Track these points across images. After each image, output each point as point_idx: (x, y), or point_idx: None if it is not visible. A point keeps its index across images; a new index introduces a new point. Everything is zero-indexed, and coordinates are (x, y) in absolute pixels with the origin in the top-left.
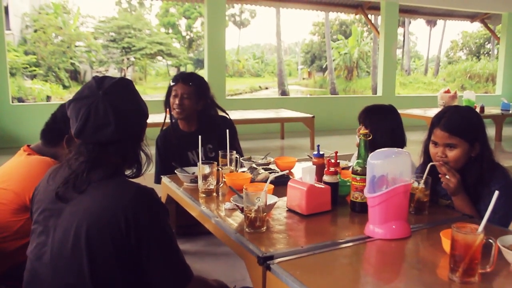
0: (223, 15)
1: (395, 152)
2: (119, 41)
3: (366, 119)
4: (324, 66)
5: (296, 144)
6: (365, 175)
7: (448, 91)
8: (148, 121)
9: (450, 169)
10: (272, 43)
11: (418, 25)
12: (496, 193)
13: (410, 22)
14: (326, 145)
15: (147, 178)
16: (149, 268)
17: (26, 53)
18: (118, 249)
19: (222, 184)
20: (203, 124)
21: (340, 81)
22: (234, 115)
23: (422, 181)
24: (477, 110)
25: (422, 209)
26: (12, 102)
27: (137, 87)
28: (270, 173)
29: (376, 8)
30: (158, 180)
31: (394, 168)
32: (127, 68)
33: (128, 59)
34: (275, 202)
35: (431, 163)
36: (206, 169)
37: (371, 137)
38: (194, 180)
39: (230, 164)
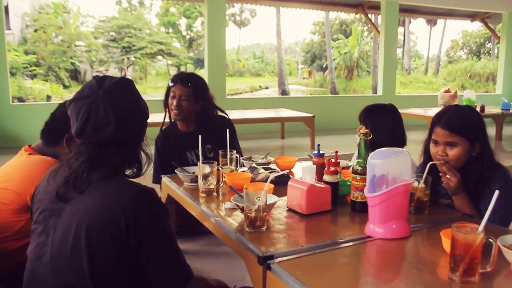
0: (223, 15)
1: (395, 151)
2: (119, 41)
3: (367, 118)
4: (324, 66)
5: (297, 143)
6: (365, 174)
7: (448, 91)
8: (148, 120)
9: (451, 168)
10: (272, 42)
11: (418, 24)
12: (496, 192)
13: (410, 22)
14: (326, 144)
15: (147, 178)
16: (149, 268)
17: (26, 52)
18: (118, 249)
19: (222, 184)
20: (202, 124)
21: (340, 81)
22: (234, 114)
23: (422, 180)
24: (478, 109)
25: (422, 208)
26: (12, 102)
27: (137, 87)
28: (270, 172)
29: (376, 7)
30: (156, 180)
31: (394, 168)
32: (127, 67)
33: (128, 58)
34: (275, 202)
35: (431, 162)
36: (206, 169)
37: (371, 136)
38: (194, 179)
39: (230, 164)
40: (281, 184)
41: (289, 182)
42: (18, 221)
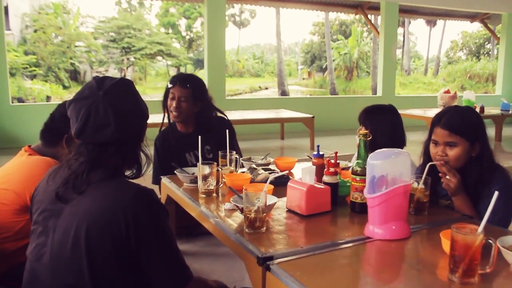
0: (223, 15)
1: (394, 152)
2: (119, 41)
3: (366, 119)
4: (324, 66)
5: (296, 144)
6: (365, 175)
7: (448, 91)
8: (148, 121)
9: (451, 169)
10: (272, 43)
11: (418, 25)
12: (496, 193)
13: (410, 22)
14: (326, 145)
15: (147, 179)
16: (148, 269)
17: (26, 53)
18: (118, 250)
19: (222, 185)
20: (201, 125)
21: (340, 81)
22: (234, 115)
23: (422, 181)
24: (477, 110)
25: (422, 209)
26: (12, 102)
27: (137, 87)
28: (270, 173)
29: (376, 8)
30: (156, 181)
31: (394, 169)
32: (127, 68)
33: (128, 59)
34: (275, 203)
35: (430, 163)
36: (206, 170)
37: (370, 137)
38: (194, 180)
39: (230, 165)
40: (280, 185)
41: (289, 183)
42: (18, 222)
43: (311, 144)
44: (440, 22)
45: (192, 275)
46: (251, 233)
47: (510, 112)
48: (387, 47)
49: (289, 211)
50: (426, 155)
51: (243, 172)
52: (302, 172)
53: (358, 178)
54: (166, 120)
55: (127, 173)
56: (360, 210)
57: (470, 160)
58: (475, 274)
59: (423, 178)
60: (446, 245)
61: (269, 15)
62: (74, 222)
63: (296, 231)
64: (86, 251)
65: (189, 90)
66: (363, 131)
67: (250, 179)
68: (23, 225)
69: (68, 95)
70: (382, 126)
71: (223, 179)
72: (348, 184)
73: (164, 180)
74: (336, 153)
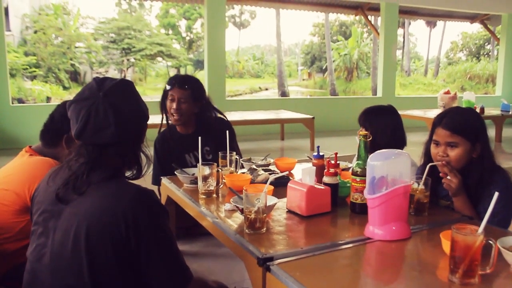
0: (223, 16)
1: (394, 153)
2: (119, 42)
3: (366, 121)
4: (324, 67)
5: (296, 145)
6: (365, 176)
7: (448, 92)
8: (148, 122)
9: (452, 169)
10: (272, 44)
11: (418, 26)
12: (496, 194)
13: (410, 23)
14: (326, 146)
15: (147, 179)
16: (148, 269)
17: (26, 54)
18: (118, 251)
19: (222, 185)
20: (200, 126)
21: (340, 82)
22: (234, 116)
23: (422, 182)
24: (477, 111)
25: (422, 210)
26: (12, 103)
27: (137, 88)
28: (270, 174)
29: (376, 9)
30: (156, 182)
31: (394, 169)
32: (127, 69)
33: (128, 60)
34: (275, 203)
35: (430, 164)
36: (206, 170)
37: (370, 138)
38: (194, 181)
39: (230, 165)
40: (280, 185)
41: (289, 184)
42: (18, 222)
43: (311, 145)
44: (440, 23)
45: (192, 276)
46: (251, 234)
47: (510, 113)
48: (387, 48)
49: (289, 211)
50: (427, 156)
51: (243, 172)
52: (302, 173)
53: (358, 179)
54: (164, 122)
55: (127, 174)
56: (360, 210)
57: (471, 161)
58: (475, 274)
59: (423, 178)
60: (446, 245)
61: (269, 16)
62: (74, 223)
63: (296, 232)
64: (86, 252)
65: (188, 91)
66: (363, 132)
67: (250, 180)
68: (23, 226)
69: (68, 96)
70: (382, 126)
71: (223, 180)
72: (348, 185)
73: (164, 180)
74: (336, 154)
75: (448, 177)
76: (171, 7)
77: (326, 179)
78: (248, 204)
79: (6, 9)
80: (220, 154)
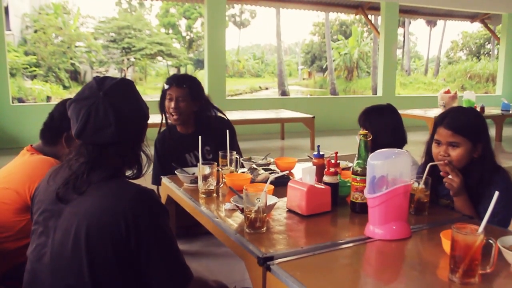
0: (223, 16)
1: (395, 152)
2: (119, 42)
3: (366, 121)
4: (324, 67)
5: (296, 144)
6: (365, 175)
7: (448, 92)
8: (148, 121)
9: (454, 169)
10: (272, 43)
11: (418, 25)
12: (496, 193)
13: (410, 23)
14: (326, 145)
15: (147, 179)
16: (148, 269)
17: (26, 53)
18: (118, 250)
19: (222, 185)
20: (200, 125)
21: (340, 82)
22: (234, 115)
23: (422, 181)
24: (477, 110)
25: (422, 209)
26: (12, 103)
27: (137, 88)
28: (270, 173)
29: (376, 8)
30: (156, 181)
31: (394, 169)
32: (127, 68)
33: (128, 59)
34: (275, 203)
35: (430, 163)
36: (206, 170)
37: (371, 137)
38: (194, 180)
39: (230, 165)
40: (281, 185)
41: (289, 183)
42: (19, 221)
43: (311, 144)
44: (440, 22)
45: (192, 275)
46: (252, 233)
47: (510, 112)
48: (387, 47)
49: (290, 211)
50: (428, 155)
51: (243, 172)
52: (303, 172)
53: (358, 178)
54: (164, 121)
55: (128, 173)
56: (361, 210)
57: (472, 161)
58: (476, 274)
59: (423, 178)
60: (446, 245)
61: (269, 15)
62: (75, 222)
63: (296, 231)
64: (86, 251)
65: (186, 90)
66: (363, 131)
67: (250, 179)
68: (24, 225)
69: (68, 95)
70: (383, 126)
71: (223, 179)
72: (348, 184)
73: (165, 180)
74: (336, 153)
75: (450, 177)
76: (171, 7)
77: (326, 178)
78: (248, 203)
79: (6, 9)
80: (220, 153)
